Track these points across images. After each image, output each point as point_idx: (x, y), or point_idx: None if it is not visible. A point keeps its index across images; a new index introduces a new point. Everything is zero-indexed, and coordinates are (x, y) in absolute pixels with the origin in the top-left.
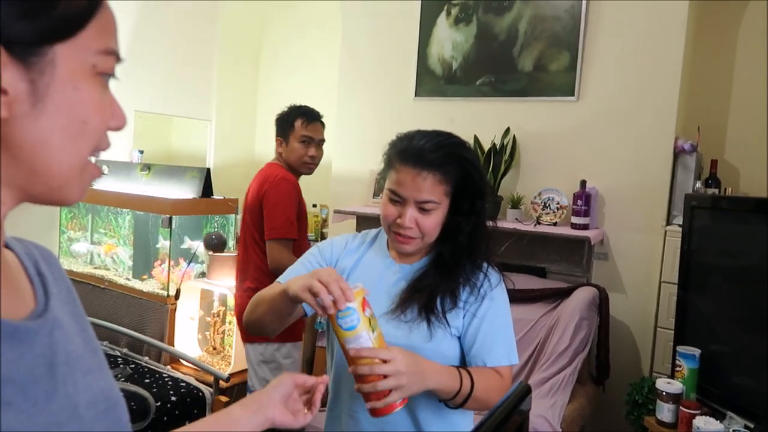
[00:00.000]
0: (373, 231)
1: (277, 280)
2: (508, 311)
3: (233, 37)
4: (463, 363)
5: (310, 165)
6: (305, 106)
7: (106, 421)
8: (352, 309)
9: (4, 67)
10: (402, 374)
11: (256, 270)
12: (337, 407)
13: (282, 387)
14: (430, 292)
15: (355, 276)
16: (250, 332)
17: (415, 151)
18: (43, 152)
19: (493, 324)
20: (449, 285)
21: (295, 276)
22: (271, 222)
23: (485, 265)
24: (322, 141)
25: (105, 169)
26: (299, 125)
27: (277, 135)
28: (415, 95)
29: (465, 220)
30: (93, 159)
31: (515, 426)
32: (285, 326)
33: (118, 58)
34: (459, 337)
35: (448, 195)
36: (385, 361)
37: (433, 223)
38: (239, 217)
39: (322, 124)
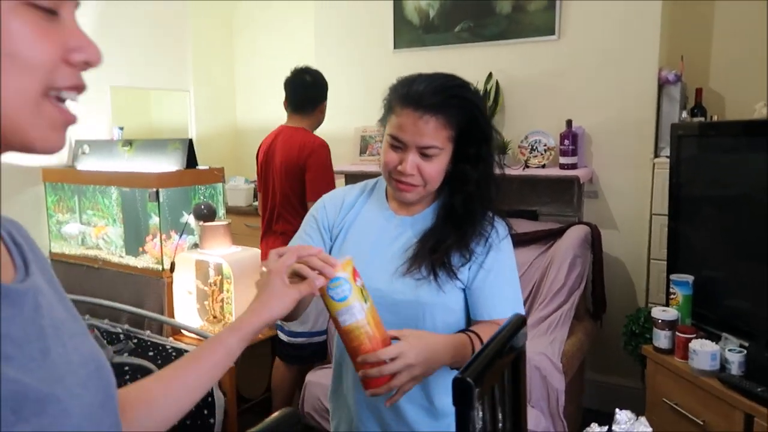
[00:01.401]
0: (372, 181)
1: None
2: (514, 262)
3: (204, 4)
4: (467, 314)
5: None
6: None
7: (98, 380)
8: (343, 279)
9: None
10: (414, 366)
11: (286, 224)
12: (342, 385)
13: (262, 290)
14: (445, 250)
15: (354, 232)
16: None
17: (417, 94)
18: None
19: (499, 277)
20: (464, 240)
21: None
22: (317, 186)
23: (492, 214)
24: None
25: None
26: None
27: None
28: (394, 47)
29: (472, 167)
30: (70, 102)
31: (509, 362)
32: (301, 311)
33: None
34: (464, 289)
35: (452, 140)
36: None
37: (435, 169)
38: (228, 186)
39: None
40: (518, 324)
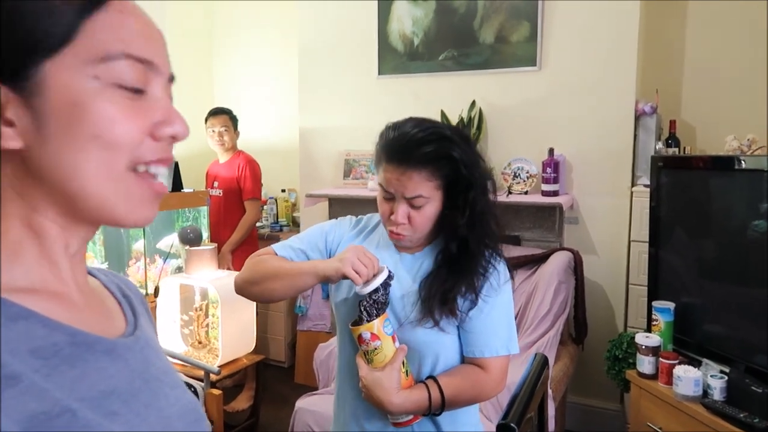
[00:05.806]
0: (376, 218)
1: (274, 249)
2: (510, 302)
3: (182, 25)
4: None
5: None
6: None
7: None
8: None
9: (6, 96)
10: (363, 380)
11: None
12: (344, 395)
13: None
14: (454, 299)
15: None
16: (249, 298)
17: (400, 149)
18: (65, 175)
19: (493, 314)
20: (472, 286)
21: (292, 247)
22: None
23: (496, 256)
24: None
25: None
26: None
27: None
28: (379, 73)
29: (460, 214)
30: (158, 175)
31: (539, 397)
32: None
33: (144, 63)
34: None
35: (440, 188)
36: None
37: (424, 218)
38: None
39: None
40: (541, 365)
